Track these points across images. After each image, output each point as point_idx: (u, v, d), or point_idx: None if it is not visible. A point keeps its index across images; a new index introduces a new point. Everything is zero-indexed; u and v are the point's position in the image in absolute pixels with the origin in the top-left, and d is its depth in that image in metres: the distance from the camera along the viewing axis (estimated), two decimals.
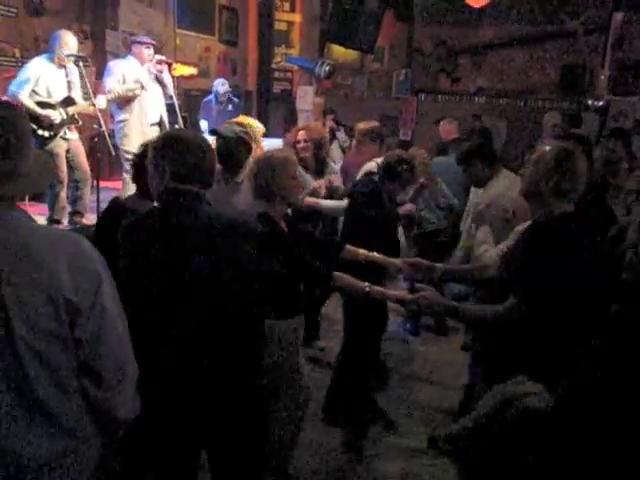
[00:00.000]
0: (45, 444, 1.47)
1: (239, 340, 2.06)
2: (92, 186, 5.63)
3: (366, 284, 2.63)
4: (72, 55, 5.14)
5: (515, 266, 2.28)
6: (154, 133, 5.70)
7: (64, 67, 5.05)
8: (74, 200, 5.35)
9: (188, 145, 2.01)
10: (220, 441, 2.16)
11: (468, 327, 4.22)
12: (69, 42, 4.95)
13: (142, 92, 5.45)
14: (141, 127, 5.50)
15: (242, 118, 3.77)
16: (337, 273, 2.66)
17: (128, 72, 5.41)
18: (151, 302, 1.98)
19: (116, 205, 2.84)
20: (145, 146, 2.62)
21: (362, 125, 4.21)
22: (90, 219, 5.45)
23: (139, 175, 2.61)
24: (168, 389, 2.00)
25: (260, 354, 2.25)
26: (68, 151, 5.16)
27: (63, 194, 5.20)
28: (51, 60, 4.97)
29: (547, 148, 2.30)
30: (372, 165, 3.80)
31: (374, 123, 4.31)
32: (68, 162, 5.18)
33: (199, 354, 2.00)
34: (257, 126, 3.45)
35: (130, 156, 5.38)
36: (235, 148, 3.19)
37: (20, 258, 1.40)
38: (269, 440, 2.72)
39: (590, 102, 9.31)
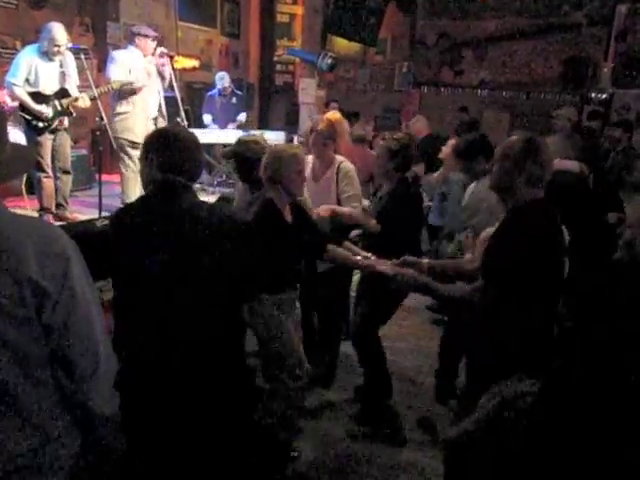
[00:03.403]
0: (13, 440, 1.42)
1: (220, 330, 2.14)
2: (94, 180, 5.61)
3: (358, 257, 2.99)
4: (74, 47, 5.12)
5: (487, 250, 2.36)
6: (153, 126, 5.67)
7: (56, 59, 4.97)
8: (55, 191, 5.29)
9: (174, 140, 2.17)
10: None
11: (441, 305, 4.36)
12: (55, 35, 4.85)
13: (146, 85, 5.41)
14: (145, 120, 5.46)
15: (331, 114, 4.09)
16: (331, 246, 3.02)
17: (134, 64, 5.35)
18: (135, 285, 2.10)
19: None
20: None
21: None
22: (86, 213, 5.46)
23: None
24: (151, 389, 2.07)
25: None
26: (55, 139, 5.12)
27: (48, 182, 5.15)
28: (41, 51, 4.90)
29: (513, 139, 2.33)
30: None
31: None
32: (52, 152, 5.14)
33: (180, 341, 2.07)
34: (336, 118, 3.92)
35: (133, 150, 5.37)
36: (253, 167, 3.27)
37: None
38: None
39: (593, 95, 9.26)
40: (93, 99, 5.16)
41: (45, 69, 4.92)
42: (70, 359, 1.49)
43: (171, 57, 5.68)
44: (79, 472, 1.58)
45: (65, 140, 5.21)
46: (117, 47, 6.87)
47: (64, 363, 1.49)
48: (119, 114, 5.38)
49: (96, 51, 7.17)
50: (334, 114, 4.31)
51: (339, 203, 3.70)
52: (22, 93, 4.82)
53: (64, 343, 1.47)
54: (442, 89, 10.39)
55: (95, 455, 1.63)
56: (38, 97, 4.89)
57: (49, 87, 4.96)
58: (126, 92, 5.32)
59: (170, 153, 2.14)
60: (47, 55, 4.89)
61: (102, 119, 5.17)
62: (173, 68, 5.75)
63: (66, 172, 5.28)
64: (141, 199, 2.23)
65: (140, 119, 5.41)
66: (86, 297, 1.51)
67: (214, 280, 2.11)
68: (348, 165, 3.81)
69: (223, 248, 2.12)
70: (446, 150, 4.23)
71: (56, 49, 4.86)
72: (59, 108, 4.99)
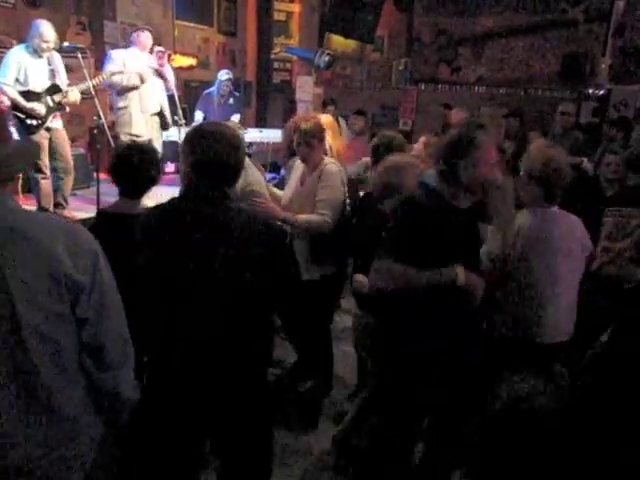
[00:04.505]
0: (45, 430, 1.46)
1: (246, 332, 2.06)
2: (92, 179, 5.60)
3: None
4: (70, 46, 5.14)
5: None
6: (155, 123, 5.70)
7: (44, 55, 4.98)
8: (55, 191, 5.28)
9: (211, 139, 1.99)
10: (226, 434, 2.17)
11: None
12: (44, 32, 4.85)
13: (137, 84, 5.46)
14: (143, 115, 5.51)
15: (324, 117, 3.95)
16: None
17: (129, 61, 5.39)
18: (164, 290, 2.00)
19: (105, 217, 2.71)
20: (127, 148, 2.64)
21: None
22: (85, 212, 5.44)
23: (119, 177, 2.61)
24: (175, 377, 2.02)
25: (268, 347, 2.28)
26: (51, 139, 5.11)
27: (46, 183, 5.14)
28: (29, 49, 4.90)
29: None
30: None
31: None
32: (50, 151, 5.13)
33: (210, 342, 2.00)
34: (328, 121, 3.79)
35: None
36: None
37: (16, 241, 1.40)
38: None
39: (591, 91, 9.26)
40: (89, 96, 5.16)
41: (34, 67, 4.93)
42: (104, 348, 1.54)
43: (168, 55, 5.73)
44: (101, 465, 1.62)
45: (62, 140, 5.21)
46: (114, 46, 6.86)
47: (96, 352, 1.54)
48: (119, 109, 5.53)
49: (93, 50, 7.15)
50: (326, 117, 4.14)
51: None
52: (13, 92, 4.83)
53: (98, 334, 1.52)
54: (439, 86, 10.37)
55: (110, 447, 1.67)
56: (29, 95, 4.89)
57: (39, 84, 4.97)
58: (118, 85, 5.36)
59: (203, 153, 1.98)
60: (36, 53, 4.91)
61: (100, 117, 5.17)
62: (171, 67, 5.79)
63: (68, 173, 5.28)
64: (172, 200, 2.10)
65: (137, 113, 5.51)
66: (114, 287, 1.57)
67: (239, 287, 2.00)
68: (331, 167, 3.40)
69: (253, 256, 2.00)
70: (417, 147, 3.92)
71: (45, 45, 4.87)
72: (51, 104, 5.00)
